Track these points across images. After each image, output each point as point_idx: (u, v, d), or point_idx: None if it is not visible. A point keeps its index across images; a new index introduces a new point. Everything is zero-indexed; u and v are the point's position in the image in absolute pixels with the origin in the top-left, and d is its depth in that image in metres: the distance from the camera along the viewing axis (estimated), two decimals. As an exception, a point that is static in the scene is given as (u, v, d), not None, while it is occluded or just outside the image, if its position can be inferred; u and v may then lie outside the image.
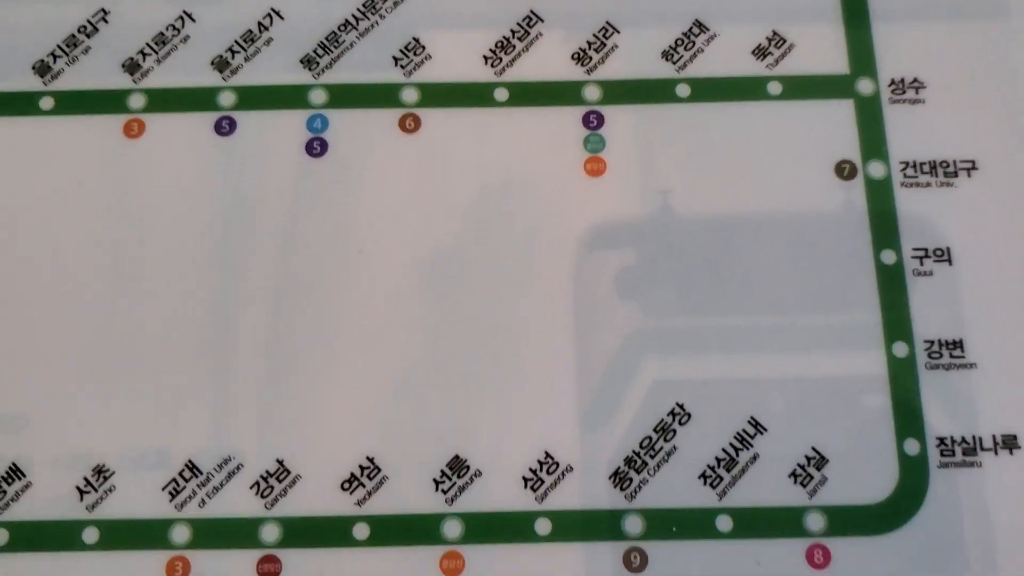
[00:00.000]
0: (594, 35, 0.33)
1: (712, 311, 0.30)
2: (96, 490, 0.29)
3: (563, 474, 0.29)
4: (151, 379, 0.29)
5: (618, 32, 0.33)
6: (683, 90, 0.32)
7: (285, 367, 0.30)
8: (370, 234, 0.31)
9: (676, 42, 0.33)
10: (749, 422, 0.29)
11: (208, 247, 0.31)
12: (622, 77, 0.32)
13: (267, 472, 0.29)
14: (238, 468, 0.29)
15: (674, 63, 0.33)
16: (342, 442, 0.29)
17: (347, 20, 0.33)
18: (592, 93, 0.32)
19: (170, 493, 0.29)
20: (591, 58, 0.33)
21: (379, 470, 0.29)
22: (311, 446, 0.29)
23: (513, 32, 0.33)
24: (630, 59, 0.33)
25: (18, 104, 0.32)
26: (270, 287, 0.30)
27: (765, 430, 0.29)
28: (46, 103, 0.32)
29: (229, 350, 0.30)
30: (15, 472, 0.29)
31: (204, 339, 0.30)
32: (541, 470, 0.29)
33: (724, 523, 0.29)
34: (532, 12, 0.33)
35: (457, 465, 0.29)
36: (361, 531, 0.29)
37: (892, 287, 0.31)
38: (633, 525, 0.29)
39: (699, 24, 0.33)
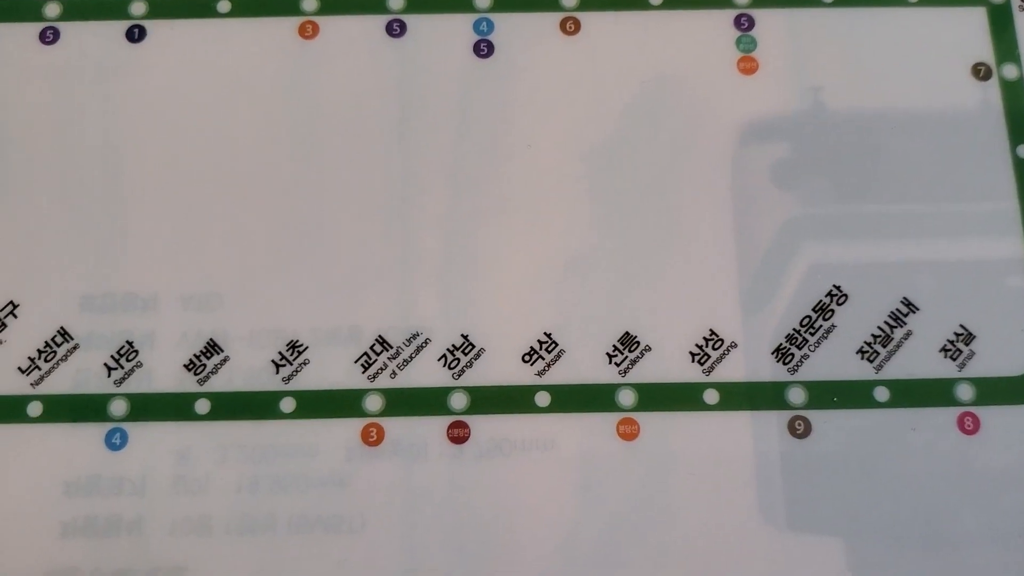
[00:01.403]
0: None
1: (864, 199, 0.32)
2: (291, 363, 0.31)
3: (728, 350, 0.31)
4: (339, 261, 0.31)
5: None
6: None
7: (464, 251, 0.31)
8: (536, 129, 0.33)
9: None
10: (902, 302, 0.31)
11: (385, 140, 0.32)
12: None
13: (453, 346, 0.31)
14: (426, 342, 0.31)
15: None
16: (521, 319, 0.31)
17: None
18: (742, -2, 0.34)
19: (362, 366, 0.31)
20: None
21: (556, 344, 0.31)
22: (493, 322, 0.31)
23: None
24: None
25: (196, 8, 0.34)
26: (445, 177, 0.32)
27: (917, 309, 0.31)
28: (223, 6, 0.34)
29: (411, 235, 0.32)
30: (213, 347, 0.31)
31: (386, 224, 0.32)
32: (707, 346, 0.31)
33: (881, 394, 0.31)
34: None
35: (628, 341, 0.31)
36: (543, 399, 0.30)
37: (1029, 179, 0.33)
38: (796, 396, 0.31)
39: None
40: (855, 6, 0.34)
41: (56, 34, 0.33)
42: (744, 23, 0.34)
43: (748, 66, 0.33)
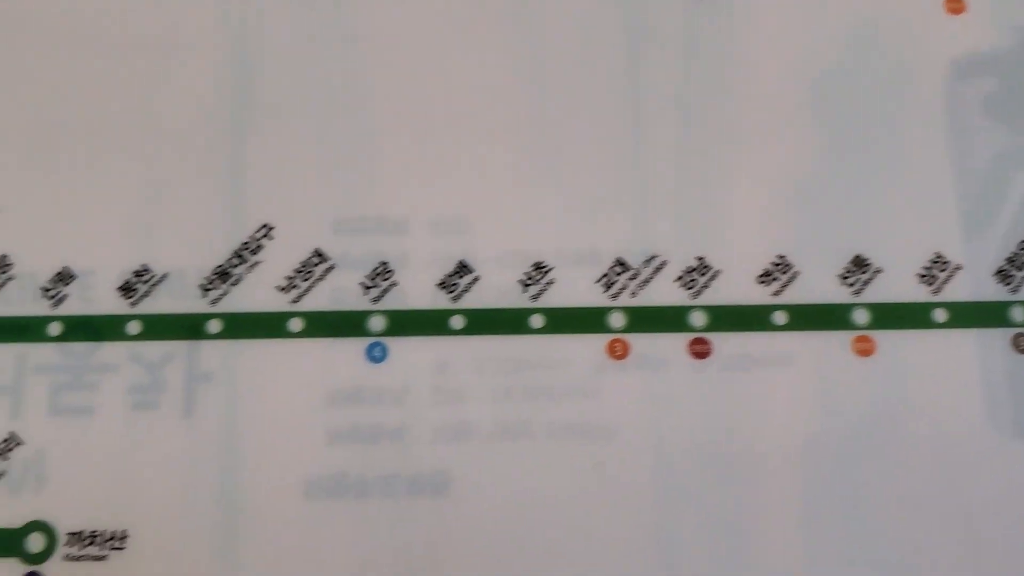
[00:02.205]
0: None
1: (1076, 131, 0.34)
2: (537, 283, 0.32)
3: (953, 272, 0.33)
4: (577, 187, 0.33)
5: None
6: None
7: (696, 177, 0.33)
8: (758, 64, 0.34)
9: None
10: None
11: (616, 72, 0.34)
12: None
13: (689, 267, 0.32)
14: (663, 264, 0.32)
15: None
16: (755, 241, 0.33)
17: None
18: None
19: (604, 285, 0.32)
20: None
21: (790, 266, 0.32)
22: (727, 245, 0.33)
23: None
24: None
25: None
26: (675, 106, 0.34)
27: None
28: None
29: (644, 162, 0.33)
30: (464, 267, 0.32)
31: (620, 152, 0.33)
32: (934, 268, 0.33)
33: (1099, 311, 0.32)
34: None
35: (860, 263, 0.33)
36: (780, 317, 0.32)
37: None
38: (1018, 314, 0.32)
39: None
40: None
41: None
42: (951, -35, 0.36)
43: (956, 7, 0.35)
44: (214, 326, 0.32)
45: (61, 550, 0.30)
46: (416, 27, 0.34)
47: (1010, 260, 0.33)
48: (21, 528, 0.30)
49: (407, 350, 0.32)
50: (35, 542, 0.30)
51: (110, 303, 0.32)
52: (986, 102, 0.34)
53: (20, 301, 0.32)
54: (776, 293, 0.32)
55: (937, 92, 0.34)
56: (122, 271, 0.32)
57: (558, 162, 0.33)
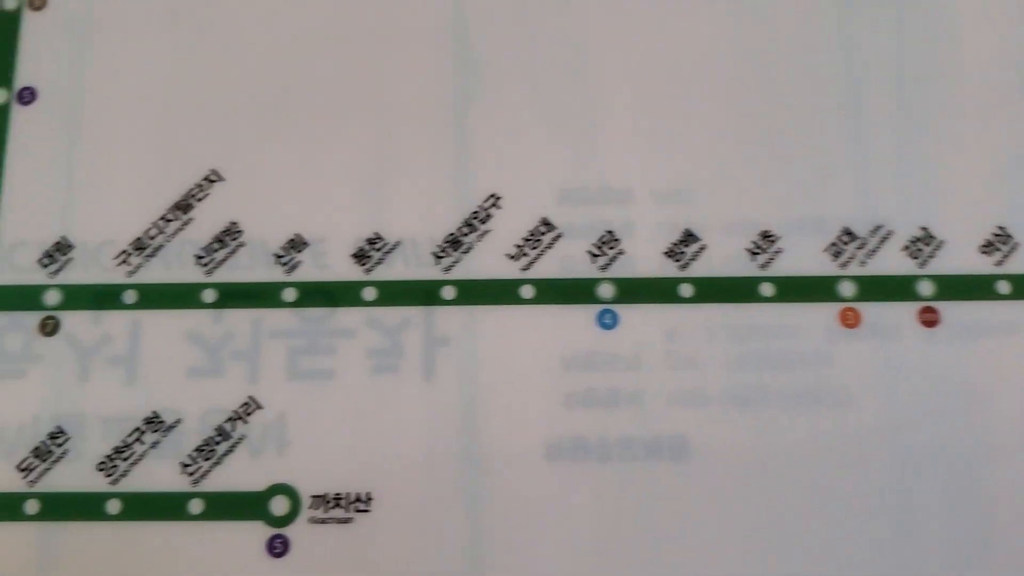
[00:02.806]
0: None
1: None
2: (765, 252, 0.33)
3: None
4: (799, 157, 0.33)
5: None
6: None
7: (916, 148, 0.33)
8: (970, 36, 0.34)
9: None
10: None
11: (829, 48, 0.34)
12: None
13: (914, 237, 0.33)
14: (889, 234, 0.33)
15: None
16: (974, 212, 0.33)
17: None
18: None
19: (832, 255, 0.32)
20: None
21: (1011, 237, 0.33)
22: (949, 216, 0.33)
23: None
24: None
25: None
26: (891, 76, 0.34)
27: None
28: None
29: (863, 133, 0.33)
30: (690, 236, 0.33)
31: (839, 124, 0.33)
32: None
33: None
34: None
35: (1080, 233, 0.33)
36: (1004, 287, 0.32)
37: None
38: None
39: None
40: None
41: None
42: None
43: None
44: (448, 292, 0.32)
45: (305, 513, 0.31)
46: (634, 4, 0.35)
47: None
48: (264, 491, 0.31)
49: (637, 317, 0.32)
50: (279, 505, 0.31)
51: (344, 270, 0.33)
52: None
53: (251, 267, 0.33)
54: (998, 263, 0.33)
55: None
56: (355, 239, 0.33)
57: (780, 131, 0.33)
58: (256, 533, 0.31)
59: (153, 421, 0.31)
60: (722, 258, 0.32)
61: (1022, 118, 0.34)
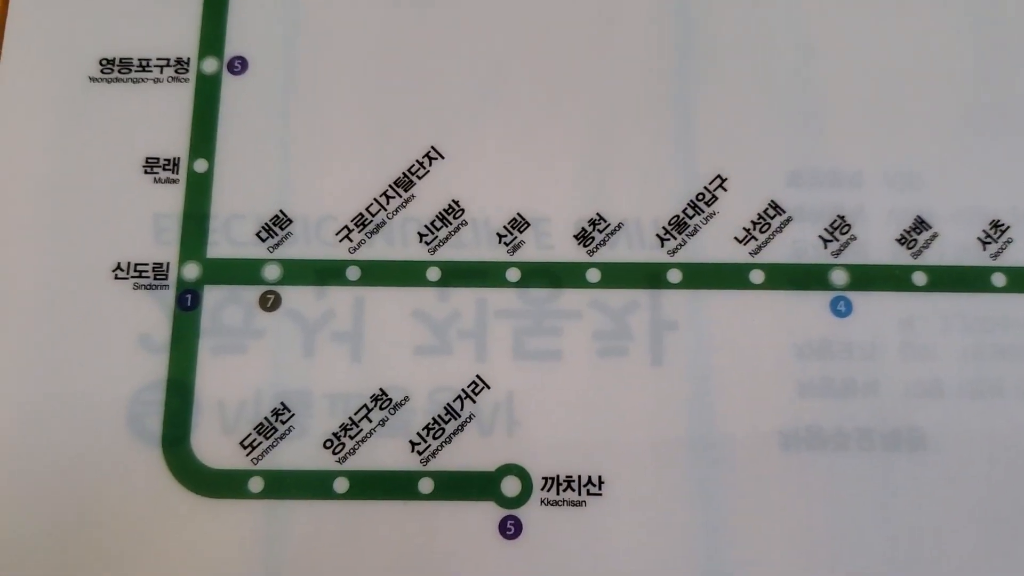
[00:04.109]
0: None
1: None
2: (995, 241, 0.32)
3: None
4: None
5: None
6: None
7: None
8: None
9: None
10: None
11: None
12: None
13: None
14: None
15: None
16: None
17: None
18: None
19: (1063, 245, 0.32)
20: None
21: None
22: None
23: None
24: None
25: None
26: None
27: None
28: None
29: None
30: (921, 223, 0.32)
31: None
32: None
33: None
34: None
35: None
36: None
37: None
38: None
39: None
40: None
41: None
42: None
43: None
44: (674, 275, 0.32)
45: (537, 495, 0.30)
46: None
47: None
48: (495, 471, 0.30)
49: (871, 305, 0.31)
50: (510, 486, 0.30)
51: (567, 250, 0.32)
52: None
53: (475, 246, 0.32)
54: None
55: None
56: (578, 219, 0.32)
57: (1012, 121, 0.33)
58: (488, 514, 0.30)
59: (380, 399, 0.31)
60: (954, 246, 0.32)
61: None
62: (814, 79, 0.33)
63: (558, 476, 0.30)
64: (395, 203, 0.32)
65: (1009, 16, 0.34)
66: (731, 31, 0.33)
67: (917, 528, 0.30)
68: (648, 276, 0.32)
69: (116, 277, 0.31)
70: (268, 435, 0.31)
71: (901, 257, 0.32)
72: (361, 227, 0.32)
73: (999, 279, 0.32)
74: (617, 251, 0.32)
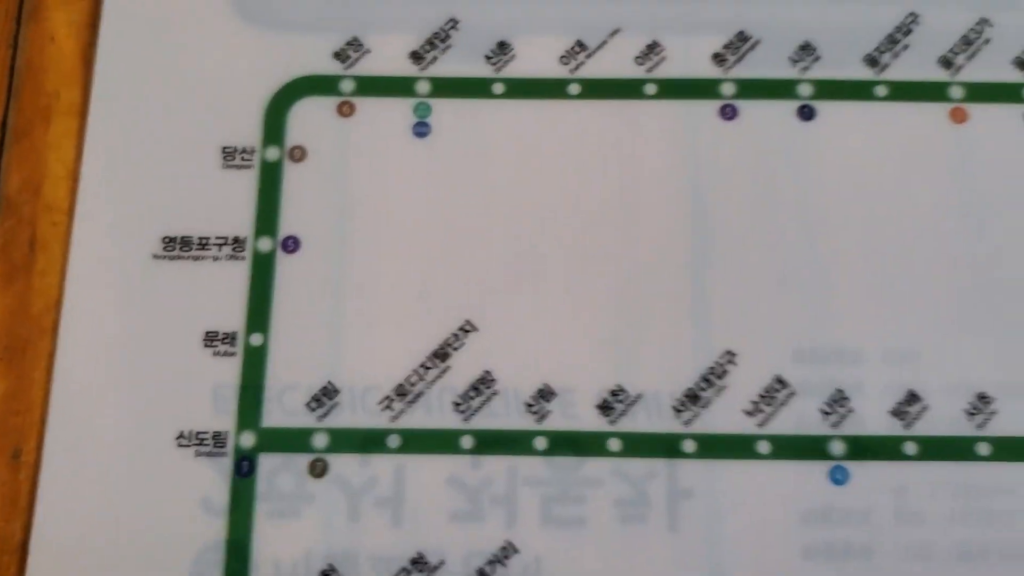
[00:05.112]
0: None
1: None
2: (983, 412, 0.35)
3: None
4: (1015, 323, 0.36)
5: None
6: None
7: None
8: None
9: None
10: None
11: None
12: None
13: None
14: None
15: None
16: None
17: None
18: None
19: (1045, 412, 0.35)
20: None
21: None
22: None
23: None
24: None
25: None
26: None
27: None
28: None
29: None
30: (914, 396, 0.35)
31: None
32: None
33: None
34: None
35: None
36: None
37: None
38: None
39: None
40: None
41: (736, 111, 0.38)
42: None
43: None
44: (689, 446, 0.35)
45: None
46: (866, 166, 0.37)
47: None
48: (524, 633, 0.33)
49: (867, 474, 0.34)
50: (543, 646, 0.33)
51: (590, 420, 0.35)
52: None
53: (505, 415, 0.35)
54: None
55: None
56: (600, 390, 0.35)
57: (998, 298, 0.36)
58: (517, 672, 0.33)
59: (419, 562, 0.34)
60: (941, 418, 0.35)
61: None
62: (819, 260, 0.36)
63: (584, 637, 0.33)
64: (432, 373, 0.35)
65: (997, 204, 0.37)
66: (742, 215, 0.37)
67: None
68: (665, 446, 0.35)
69: (179, 445, 0.35)
70: (318, 593, 0.34)
71: (895, 428, 0.35)
72: (401, 396, 0.35)
73: (983, 448, 0.35)
74: (637, 421, 0.35)
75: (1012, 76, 0.38)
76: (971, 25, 0.39)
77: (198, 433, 0.35)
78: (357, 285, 0.36)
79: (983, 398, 0.35)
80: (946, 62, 0.38)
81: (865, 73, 0.38)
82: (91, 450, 0.35)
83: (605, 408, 0.35)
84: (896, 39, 0.39)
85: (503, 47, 0.38)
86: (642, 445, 0.35)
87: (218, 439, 0.35)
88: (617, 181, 0.37)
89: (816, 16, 0.39)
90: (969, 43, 0.39)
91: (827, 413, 0.35)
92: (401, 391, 0.35)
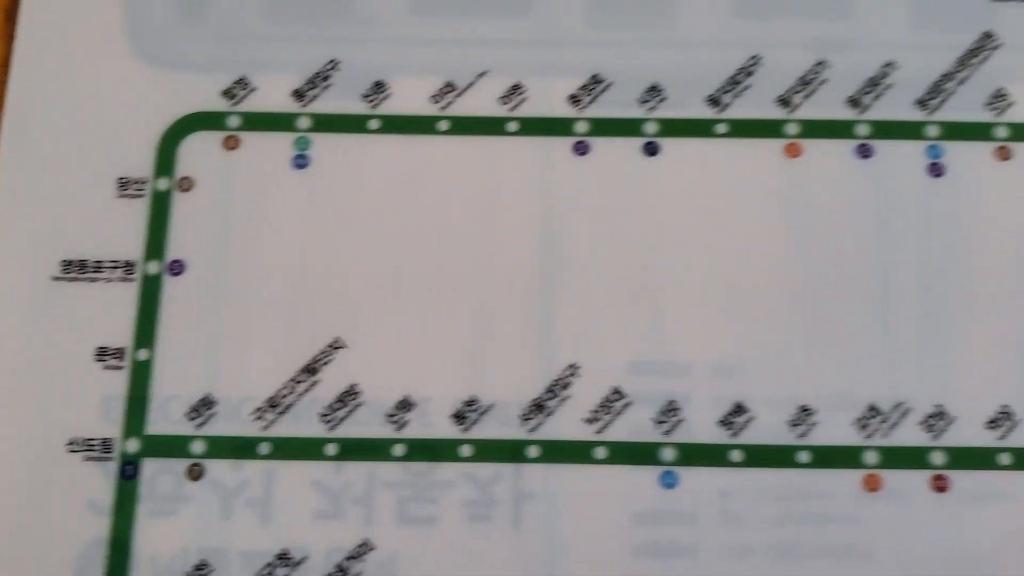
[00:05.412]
0: None
1: None
2: (804, 424, 0.38)
3: None
4: (834, 340, 0.39)
5: None
6: None
7: (934, 335, 0.39)
8: (987, 242, 0.40)
9: None
10: None
11: (862, 248, 0.40)
12: None
13: (929, 413, 0.38)
14: (907, 411, 0.38)
15: None
16: (985, 391, 0.38)
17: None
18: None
19: (859, 427, 0.38)
20: None
21: (1013, 414, 0.38)
22: (962, 394, 0.38)
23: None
24: None
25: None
26: (915, 273, 0.40)
27: None
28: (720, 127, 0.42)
29: (891, 319, 0.39)
30: (740, 408, 0.38)
31: (871, 311, 0.39)
32: None
33: None
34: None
35: (1074, 413, 0.39)
36: (1004, 459, 0.38)
37: None
38: None
39: None
40: None
41: (588, 147, 0.41)
42: None
43: None
44: (533, 451, 0.38)
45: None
46: (704, 197, 0.40)
47: None
48: (378, 623, 0.37)
49: (695, 479, 0.38)
50: (390, 633, 0.37)
51: (445, 428, 0.38)
52: None
53: (367, 424, 0.38)
54: (1001, 437, 0.38)
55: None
56: (455, 401, 0.39)
57: (819, 317, 0.39)
58: (374, 657, 0.36)
59: (284, 557, 0.37)
60: (766, 427, 0.38)
61: (1025, 309, 0.40)
62: (656, 283, 0.40)
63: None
64: (302, 386, 0.39)
65: (824, 232, 0.40)
66: (588, 241, 0.40)
67: None
68: (512, 451, 0.38)
69: (70, 451, 0.38)
70: (191, 586, 0.37)
71: (721, 437, 0.38)
72: (273, 408, 0.38)
73: (804, 456, 0.38)
74: (487, 428, 0.38)
75: (845, 114, 0.42)
76: (809, 66, 0.42)
77: (87, 440, 0.38)
78: (236, 305, 0.39)
79: (805, 410, 0.38)
80: (784, 101, 0.42)
81: (707, 112, 0.42)
82: (-12, 456, 0.38)
83: (459, 417, 0.38)
84: (738, 80, 0.42)
85: (379, 86, 0.42)
86: (491, 451, 0.38)
87: (106, 445, 0.38)
88: (478, 210, 0.41)
89: (665, 61, 0.42)
90: (807, 83, 0.42)
91: (659, 422, 0.38)
92: (273, 403, 0.39)
